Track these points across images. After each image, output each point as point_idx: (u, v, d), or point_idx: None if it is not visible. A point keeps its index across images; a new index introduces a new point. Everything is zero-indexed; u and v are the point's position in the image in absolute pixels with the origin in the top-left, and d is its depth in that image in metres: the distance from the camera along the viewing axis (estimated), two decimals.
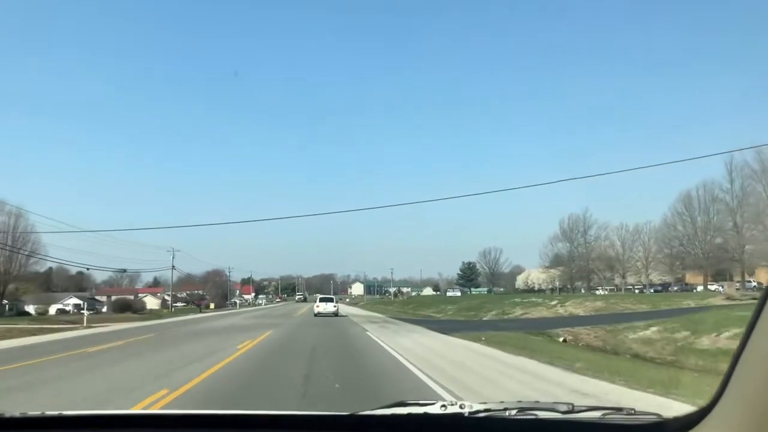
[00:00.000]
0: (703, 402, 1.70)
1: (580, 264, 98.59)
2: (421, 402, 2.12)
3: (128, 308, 67.09)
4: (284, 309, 71.54)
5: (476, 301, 59.91)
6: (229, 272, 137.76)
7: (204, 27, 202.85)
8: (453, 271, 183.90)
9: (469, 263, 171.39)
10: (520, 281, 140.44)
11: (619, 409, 2.02)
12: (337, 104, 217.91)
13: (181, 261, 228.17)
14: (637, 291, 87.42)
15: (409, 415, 2.04)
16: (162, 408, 7.47)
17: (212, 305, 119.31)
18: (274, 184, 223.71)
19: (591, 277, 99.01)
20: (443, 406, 2.04)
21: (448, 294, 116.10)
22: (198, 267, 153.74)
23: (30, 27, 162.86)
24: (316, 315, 42.02)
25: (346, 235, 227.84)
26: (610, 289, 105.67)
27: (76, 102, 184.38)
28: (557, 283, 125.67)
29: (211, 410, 2.31)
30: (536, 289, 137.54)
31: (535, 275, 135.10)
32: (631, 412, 2.00)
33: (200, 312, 63.83)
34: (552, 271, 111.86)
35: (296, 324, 31.64)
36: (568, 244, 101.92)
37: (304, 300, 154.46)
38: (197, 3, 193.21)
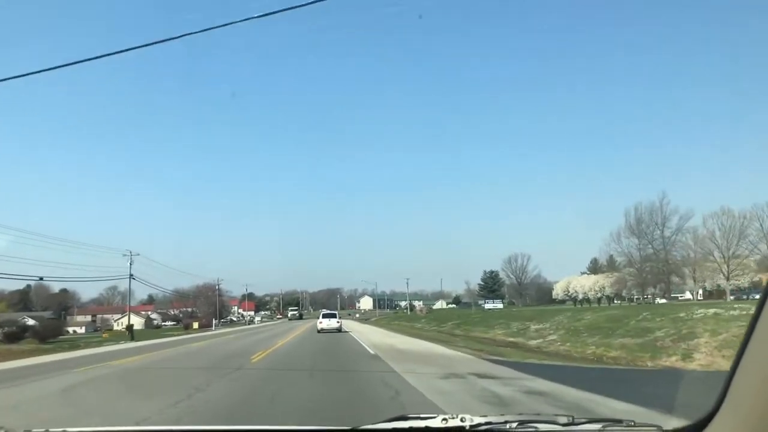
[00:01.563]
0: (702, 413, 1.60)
1: (655, 266, 72.18)
2: (422, 416, 2.00)
3: (23, 334, 40.84)
4: (267, 332, 45.46)
5: (596, 315, 32.20)
6: (218, 285, 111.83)
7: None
8: (459, 285, 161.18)
9: (492, 272, 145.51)
10: (559, 290, 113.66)
11: (618, 421, 1.93)
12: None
13: (168, 275, 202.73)
14: (732, 297, 61.98)
15: (411, 429, 1.96)
16: None
17: (196, 325, 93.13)
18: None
19: (670, 280, 72.63)
20: (444, 419, 1.94)
21: (487, 306, 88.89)
22: (188, 281, 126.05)
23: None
24: (319, 331, 37.54)
25: (353, 247, 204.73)
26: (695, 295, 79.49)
27: None
28: (608, 291, 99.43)
29: (217, 426, 2.33)
30: (580, 298, 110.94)
31: (578, 282, 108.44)
32: (631, 424, 1.91)
33: (131, 339, 37.68)
34: (616, 274, 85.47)
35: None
36: (636, 240, 75.25)
37: (300, 317, 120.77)
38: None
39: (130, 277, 65.10)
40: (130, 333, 38.10)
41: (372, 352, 19.27)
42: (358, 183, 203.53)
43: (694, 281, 68.95)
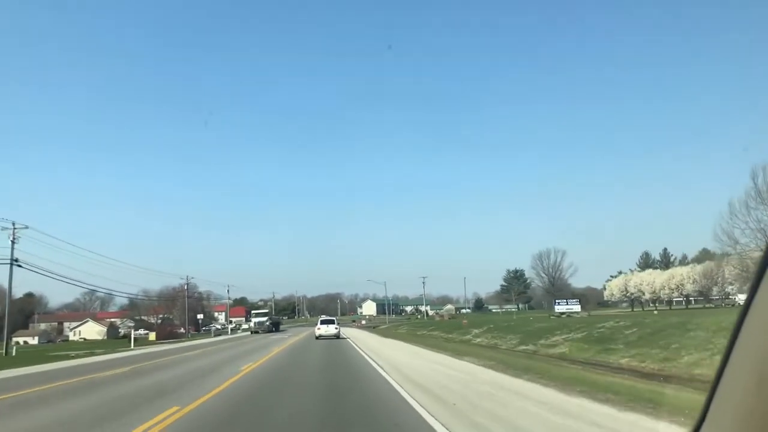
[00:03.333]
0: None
1: None
2: None
3: None
4: (207, 358, 19.30)
5: None
6: (187, 284, 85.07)
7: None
8: (469, 288, 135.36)
9: (516, 271, 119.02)
10: (614, 289, 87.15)
11: None
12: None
13: (137, 275, 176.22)
14: None
15: None
16: None
17: (152, 336, 65.88)
18: None
19: None
20: None
21: (559, 310, 61.18)
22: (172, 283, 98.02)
23: None
24: (317, 337, 36.14)
25: (355, 250, 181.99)
26: None
27: None
28: (688, 288, 73.26)
29: None
30: (644, 300, 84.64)
31: (641, 279, 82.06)
32: None
33: None
34: (699, 266, 59.41)
35: None
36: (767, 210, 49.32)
37: (275, 329, 68.21)
38: None
39: (11, 263, 38.65)
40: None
41: None
42: (360, 184, 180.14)
43: None
